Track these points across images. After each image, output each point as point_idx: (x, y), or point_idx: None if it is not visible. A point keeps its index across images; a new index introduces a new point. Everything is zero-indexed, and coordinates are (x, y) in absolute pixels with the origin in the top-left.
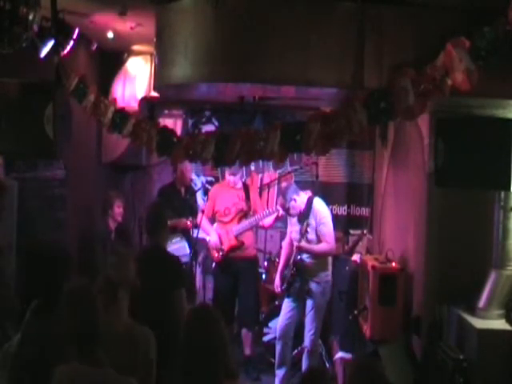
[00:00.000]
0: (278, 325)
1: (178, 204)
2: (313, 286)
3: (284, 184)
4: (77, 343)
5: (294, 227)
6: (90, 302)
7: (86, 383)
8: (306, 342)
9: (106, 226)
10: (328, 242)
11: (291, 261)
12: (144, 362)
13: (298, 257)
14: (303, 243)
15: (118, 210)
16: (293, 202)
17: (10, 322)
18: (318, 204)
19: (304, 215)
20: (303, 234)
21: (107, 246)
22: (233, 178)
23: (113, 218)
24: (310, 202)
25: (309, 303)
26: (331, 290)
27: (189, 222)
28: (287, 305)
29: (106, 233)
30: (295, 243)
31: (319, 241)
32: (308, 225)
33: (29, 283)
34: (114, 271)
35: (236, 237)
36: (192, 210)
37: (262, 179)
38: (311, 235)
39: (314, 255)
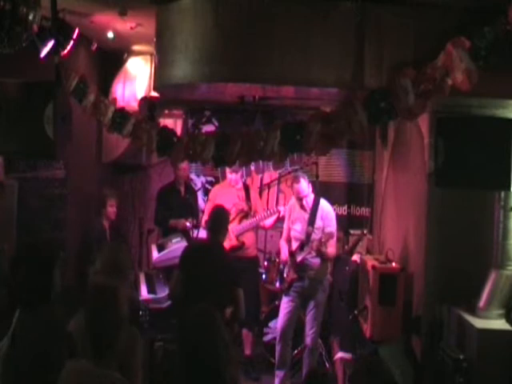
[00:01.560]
0: (278, 325)
1: (178, 204)
2: (312, 284)
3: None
4: (92, 342)
5: (295, 225)
6: (113, 304)
7: (92, 382)
8: (308, 339)
9: (100, 225)
10: (332, 246)
11: (297, 260)
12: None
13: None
14: (325, 249)
15: (110, 209)
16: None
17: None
18: (326, 206)
19: (312, 215)
20: (310, 234)
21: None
22: (234, 176)
23: (106, 216)
24: (316, 203)
25: (310, 302)
26: (331, 289)
27: (188, 224)
28: (286, 305)
29: (101, 232)
30: (295, 243)
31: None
32: (317, 227)
33: (17, 282)
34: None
35: (237, 237)
36: (192, 210)
37: (261, 179)
38: (317, 236)
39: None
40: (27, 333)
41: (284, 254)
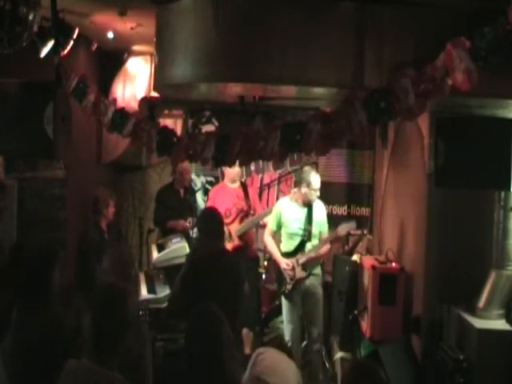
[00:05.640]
0: (287, 332)
1: (177, 205)
2: (312, 279)
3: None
4: (94, 341)
5: (295, 224)
6: (120, 305)
7: (91, 382)
8: (315, 345)
9: (98, 225)
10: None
11: (299, 262)
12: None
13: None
14: (313, 254)
15: (110, 209)
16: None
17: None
18: (321, 204)
19: (309, 212)
20: (310, 231)
21: (102, 247)
22: (235, 170)
23: (105, 216)
24: None
25: (309, 298)
26: (331, 289)
27: (188, 223)
28: (289, 310)
29: (99, 233)
30: (294, 240)
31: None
32: (316, 221)
33: (16, 282)
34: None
35: (239, 238)
36: (192, 211)
37: (261, 179)
38: (316, 230)
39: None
40: (25, 332)
41: (273, 251)
